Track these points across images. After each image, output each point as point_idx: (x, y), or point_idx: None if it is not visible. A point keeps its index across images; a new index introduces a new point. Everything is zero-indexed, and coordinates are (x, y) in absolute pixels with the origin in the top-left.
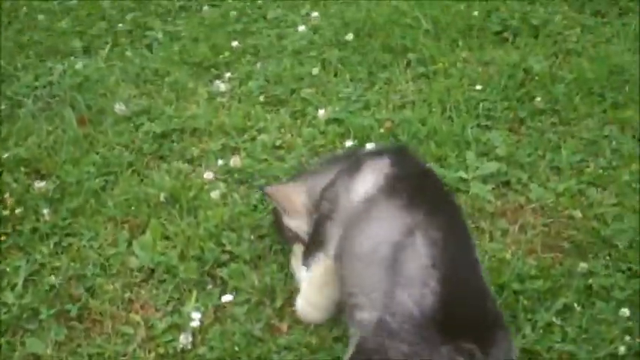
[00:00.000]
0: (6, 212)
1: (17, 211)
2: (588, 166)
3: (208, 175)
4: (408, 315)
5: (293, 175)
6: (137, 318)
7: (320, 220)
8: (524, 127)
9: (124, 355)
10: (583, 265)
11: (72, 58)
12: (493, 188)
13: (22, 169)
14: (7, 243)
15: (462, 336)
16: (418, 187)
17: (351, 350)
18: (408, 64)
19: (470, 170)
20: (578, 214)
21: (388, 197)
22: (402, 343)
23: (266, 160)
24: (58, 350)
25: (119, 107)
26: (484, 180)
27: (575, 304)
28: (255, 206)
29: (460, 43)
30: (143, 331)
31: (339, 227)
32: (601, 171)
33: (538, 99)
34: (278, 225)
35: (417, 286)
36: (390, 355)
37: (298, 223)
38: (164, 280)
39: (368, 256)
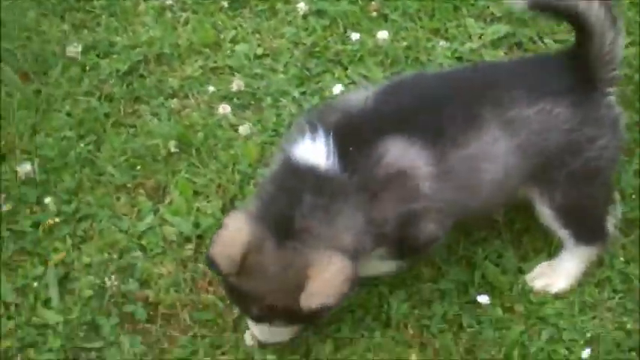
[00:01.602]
0: None
1: (5, 208)
2: None
3: (206, 108)
4: None
5: None
6: (212, 298)
7: None
8: None
9: (219, 347)
10: None
11: None
12: (506, 52)
13: None
14: (10, 250)
15: None
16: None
17: None
18: None
19: (474, 38)
20: None
21: None
22: None
23: (259, 74)
24: None
25: (69, 49)
26: (494, 45)
27: None
28: (275, 130)
29: None
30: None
31: None
32: None
33: None
34: None
35: None
36: None
37: None
38: None
39: None
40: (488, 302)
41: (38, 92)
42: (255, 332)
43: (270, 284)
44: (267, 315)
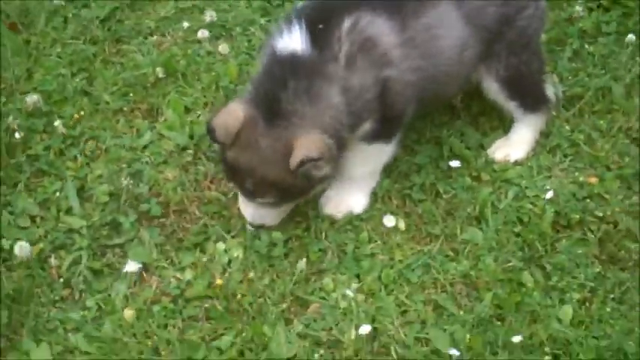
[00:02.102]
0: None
1: (17, 135)
2: None
3: (182, 42)
4: None
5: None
6: (215, 194)
7: None
8: None
9: (228, 232)
10: None
11: None
12: None
13: None
14: (28, 172)
15: None
16: None
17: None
18: None
19: None
20: None
21: None
22: None
23: (227, 9)
24: (160, 251)
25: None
26: None
27: None
28: (248, 54)
29: None
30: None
31: None
32: None
33: None
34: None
35: None
36: None
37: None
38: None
39: None
40: (459, 165)
41: (27, 42)
42: (246, 215)
43: (262, 156)
44: (259, 189)
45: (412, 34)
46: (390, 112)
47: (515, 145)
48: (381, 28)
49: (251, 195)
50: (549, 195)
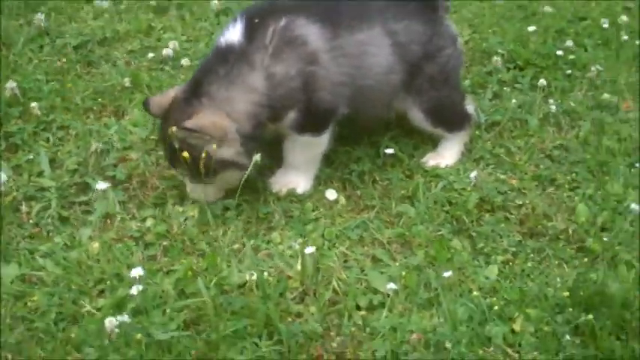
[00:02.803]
0: None
1: None
2: None
3: (147, 70)
4: None
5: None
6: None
7: None
8: None
9: (184, 200)
10: None
11: None
12: None
13: None
14: (2, 146)
15: None
16: None
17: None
18: None
19: None
20: None
21: None
22: None
23: (186, 47)
24: (123, 208)
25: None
26: None
27: None
28: None
29: None
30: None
31: None
32: None
33: None
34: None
35: None
36: None
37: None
38: None
39: None
40: (394, 161)
41: (7, 57)
42: (188, 189)
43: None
44: (171, 160)
45: (342, 44)
46: (315, 107)
47: (445, 156)
48: (312, 31)
49: (171, 166)
50: (474, 183)
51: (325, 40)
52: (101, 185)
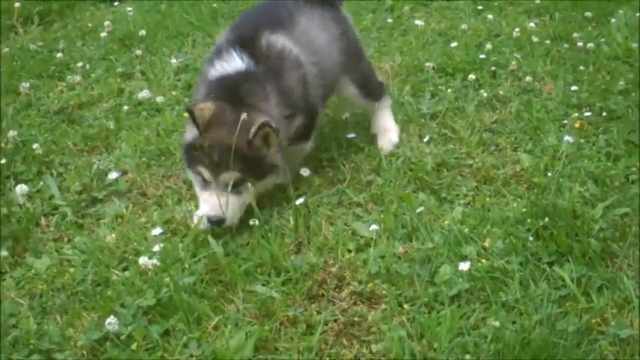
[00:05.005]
0: None
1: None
2: None
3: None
4: None
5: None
6: (167, 184)
7: None
8: None
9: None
10: None
11: None
12: None
13: None
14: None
15: None
16: None
17: None
18: None
19: None
20: None
21: None
22: None
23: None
24: (130, 212)
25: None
26: None
27: None
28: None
29: None
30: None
31: None
32: None
33: None
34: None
35: None
36: None
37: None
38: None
39: None
40: (354, 136)
41: None
42: (206, 209)
43: (229, 130)
44: (225, 159)
45: (305, 42)
46: (309, 109)
47: (385, 129)
48: (286, 40)
49: (217, 168)
50: (428, 156)
51: (295, 44)
52: (114, 174)
